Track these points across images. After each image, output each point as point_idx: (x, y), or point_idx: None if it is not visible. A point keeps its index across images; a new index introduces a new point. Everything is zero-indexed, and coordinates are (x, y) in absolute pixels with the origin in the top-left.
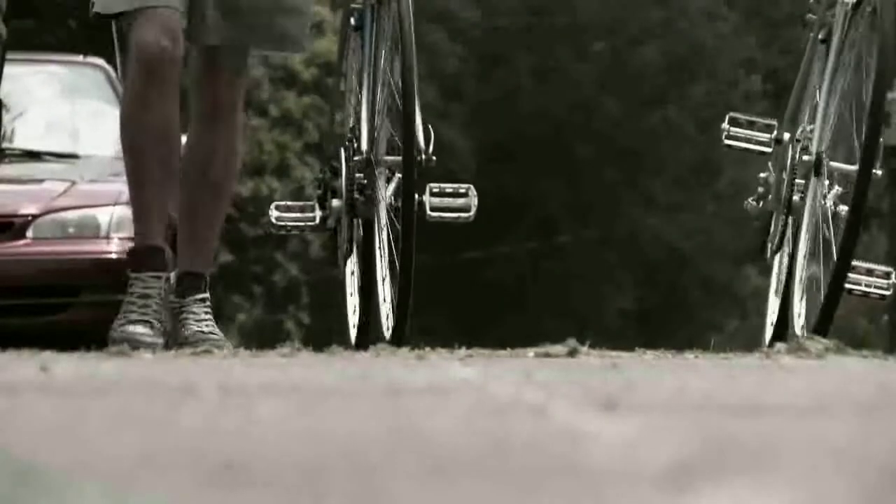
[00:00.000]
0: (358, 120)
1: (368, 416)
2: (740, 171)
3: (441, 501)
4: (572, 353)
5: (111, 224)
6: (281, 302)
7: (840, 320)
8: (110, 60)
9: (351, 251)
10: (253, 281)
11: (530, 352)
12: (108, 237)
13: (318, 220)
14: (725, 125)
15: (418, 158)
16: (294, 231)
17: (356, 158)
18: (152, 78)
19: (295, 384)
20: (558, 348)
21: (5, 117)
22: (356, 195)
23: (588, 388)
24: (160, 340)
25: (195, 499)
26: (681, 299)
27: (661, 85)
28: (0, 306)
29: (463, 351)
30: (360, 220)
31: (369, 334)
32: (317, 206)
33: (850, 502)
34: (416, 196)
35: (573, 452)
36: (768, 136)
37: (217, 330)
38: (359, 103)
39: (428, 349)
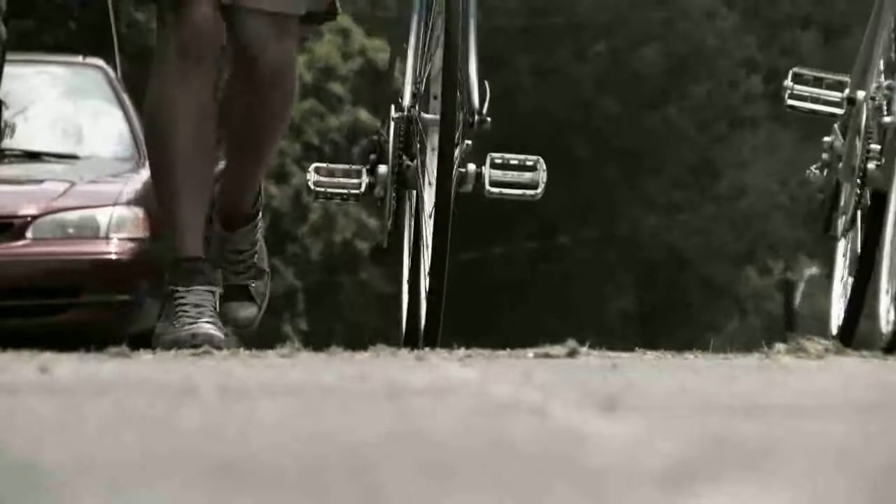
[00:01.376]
0: (410, 77)
1: (368, 416)
2: (740, 171)
3: (441, 501)
4: (572, 353)
5: (111, 224)
6: (279, 308)
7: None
8: (110, 61)
9: (394, 227)
10: None
11: (530, 352)
12: (107, 238)
13: (363, 188)
14: (788, 82)
15: (465, 119)
16: (336, 199)
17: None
18: (193, 51)
19: (295, 384)
20: (558, 349)
21: (5, 114)
22: (404, 160)
23: (588, 388)
24: (229, 338)
25: (195, 499)
26: (681, 299)
27: (661, 85)
28: (0, 307)
29: (462, 351)
30: (409, 193)
31: (418, 335)
32: (364, 171)
33: (850, 502)
34: (471, 168)
35: (573, 452)
36: (839, 94)
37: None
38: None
39: (427, 349)
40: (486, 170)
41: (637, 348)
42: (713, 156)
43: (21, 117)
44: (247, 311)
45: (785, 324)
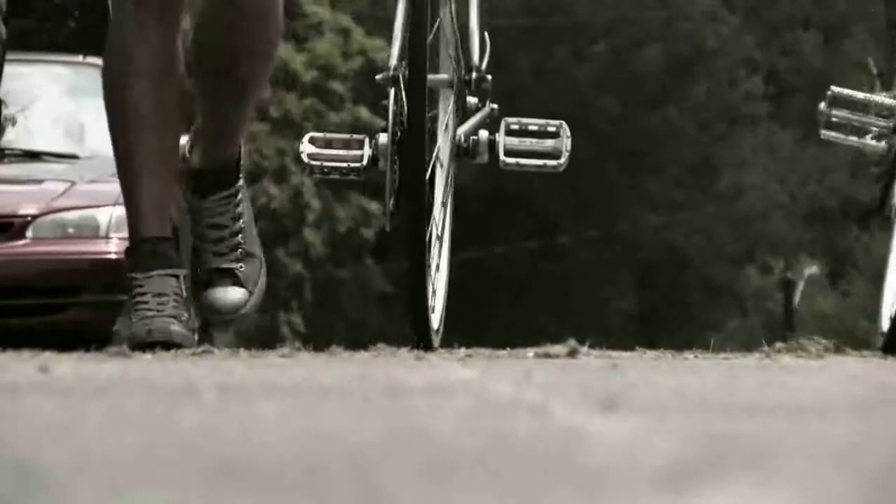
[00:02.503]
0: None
1: (368, 416)
2: (740, 170)
3: (441, 501)
4: (572, 353)
5: (111, 224)
6: (280, 302)
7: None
8: None
9: (397, 208)
10: None
11: (530, 352)
12: (107, 237)
13: (365, 161)
14: (824, 107)
15: (460, 76)
16: (334, 174)
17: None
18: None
19: (295, 384)
20: (558, 348)
21: (5, 112)
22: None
23: (588, 388)
24: (192, 338)
25: (195, 499)
26: (681, 299)
27: (661, 85)
28: (0, 306)
29: (462, 351)
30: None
31: (428, 333)
32: (367, 141)
33: (849, 502)
34: (483, 135)
35: (573, 452)
36: (888, 123)
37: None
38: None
39: (427, 349)
40: (501, 137)
41: (637, 348)
42: (713, 155)
43: (21, 117)
44: (233, 297)
45: (785, 323)
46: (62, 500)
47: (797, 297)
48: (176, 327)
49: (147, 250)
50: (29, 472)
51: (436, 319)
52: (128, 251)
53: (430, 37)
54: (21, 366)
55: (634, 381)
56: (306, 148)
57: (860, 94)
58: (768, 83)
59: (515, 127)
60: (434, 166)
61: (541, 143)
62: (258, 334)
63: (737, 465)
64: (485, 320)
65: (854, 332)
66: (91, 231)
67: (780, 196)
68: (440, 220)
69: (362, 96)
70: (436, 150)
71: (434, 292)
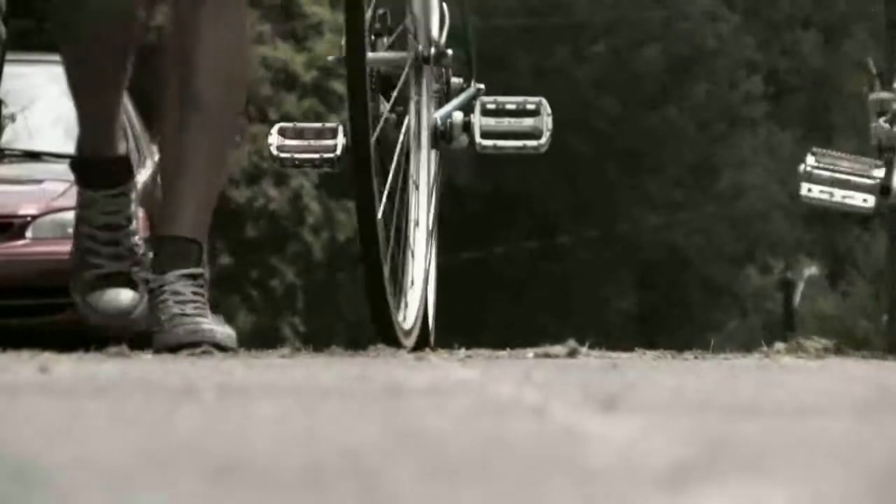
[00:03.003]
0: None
1: (368, 417)
2: (740, 171)
3: (441, 501)
4: (572, 353)
5: None
6: (279, 306)
7: (840, 320)
8: None
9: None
10: (251, 285)
11: (530, 352)
12: None
13: (339, 150)
14: (807, 167)
15: (418, 52)
16: (306, 166)
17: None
18: None
19: (294, 385)
20: (558, 349)
21: (5, 112)
22: (382, 112)
23: (588, 388)
24: (144, 303)
25: (195, 499)
26: (681, 299)
27: (661, 85)
28: (0, 306)
29: (462, 351)
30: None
31: (390, 325)
32: (340, 129)
33: (850, 502)
34: (457, 117)
35: (573, 453)
36: (872, 180)
37: (208, 317)
38: None
39: (427, 350)
40: (476, 118)
41: (637, 348)
42: (713, 155)
43: (21, 117)
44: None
45: (785, 324)
46: (62, 500)
47: (797, 298)
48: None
49: (100, 170)
50: (29, 472)
51: (410, 314)
52: (73, 166)
53: (406, 18)
54: (21, 366)
55: (634, 381)
56: (275, 140)
57: (841, 155)
58: (768, 83)
59: (492, 107)
60: (407, 148)
61: (519, 123)
62: (258, 334)
63: (737, 465)
64: (484, 320)
65: (854, 333)
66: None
67: (780, 196)
68: (416, 204)
69: None
70: (404, 132)
71: (411, 282)
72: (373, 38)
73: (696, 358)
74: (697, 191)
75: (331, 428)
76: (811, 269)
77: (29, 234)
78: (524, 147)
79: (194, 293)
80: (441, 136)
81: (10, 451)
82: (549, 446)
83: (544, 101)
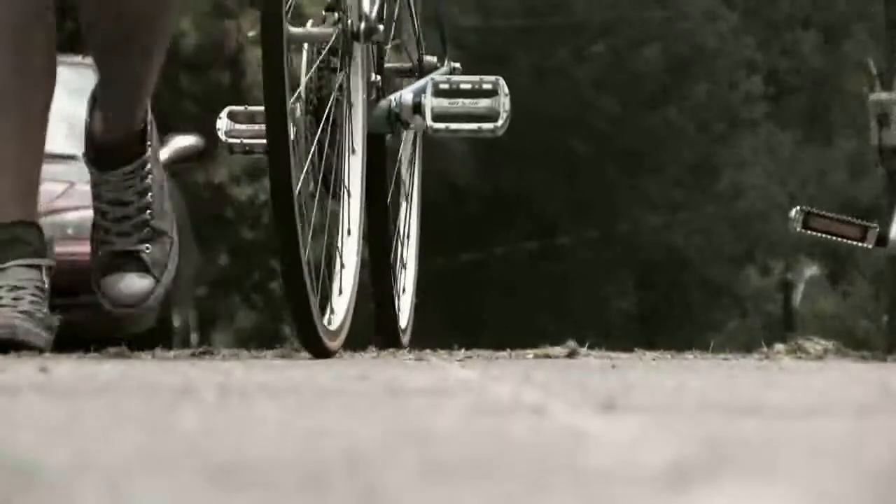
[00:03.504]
0: None
1: (368, 417)
2: (740, 171)
3: (441, 501)
4: (572, 354)
5: None
6: (279, 307)
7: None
8: None
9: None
10: (251, 286)
11: (530, 353)
12: None
13: (294, 135)
14: (795, 215)
15: (346, 26)
16: (257, 151)
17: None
18: None
19: (294, 385)
20: (558, 349)
21: None
22: (326, 90)
23: (588, 388)
24: (47, 336)
25: (195, 499)
26: (681, 299)
27: (661, 85)
28: None
29: (462, 352)
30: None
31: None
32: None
33: (850, 502)
34: (406, 98)
35: (573, 453)
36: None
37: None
38: None
39: (427, 350)
40: (427, 100)
41: (637, 348)
42: (713, 156)
43: None
44: (137, 285)
45: (785, 324)
46: (62, 500)
47: (797, 298)
48: (27, 325)
49: (5, 237)
50: (29, 472)
51: (336, 318)
52: None
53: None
54: (21, 366)
55: (634, 381)
56: (224, 124)
57: (831, 217)
58: (768, 83)
59: (445, 87)
60: (350, 132)
61: (474, 105)
62: (258, 334)
63: (737, 465)
64: (484, 321)
65: (854, 333)
66: (90, 232)
67: (780, 197)
68: (347, 211)
69: None
70: (344, 114)
71: (339, 290)
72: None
73: (696, 358)
74: (697, 191)
75: (331, 428)
76: (811, 270)
77: None
78: (479, 130)
79: (128, 186)
80: (395, 119)
81: (10, 451)
82: (549, 446)
83: (501, 80)
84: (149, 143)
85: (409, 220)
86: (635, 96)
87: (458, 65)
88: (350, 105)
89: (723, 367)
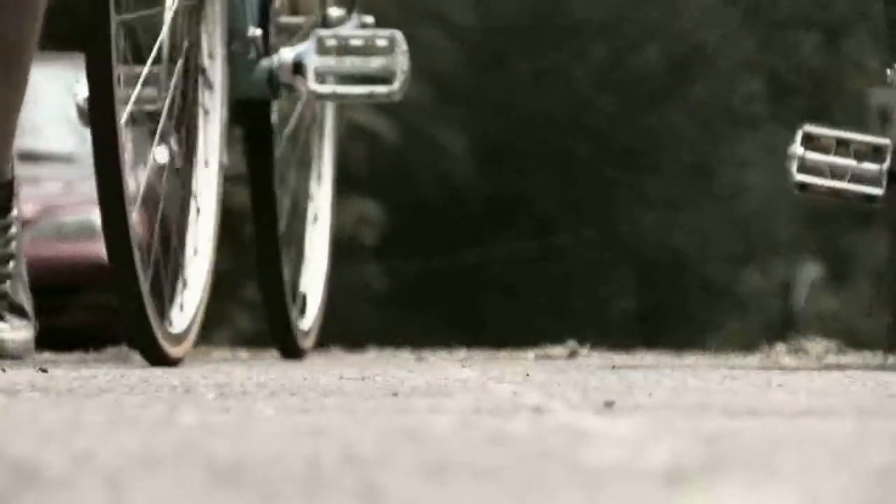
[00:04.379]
0: None
1: (368, 417)
2: (740, 171)
3: (440, 501)
4: (572, 354)
5: None
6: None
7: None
8: None
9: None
10: (251, 286)
11: (530, 353)
12: None
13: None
14: (797, 150)
15: None
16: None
17: None
18: None
19: (294, 385)
20: (558, 349)
21: None
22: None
23: (588, 388)
24: (27, 335)
25: (195, 499)
26: (681, 299)
27: (661, 85)
28: None
29: (462, 352)
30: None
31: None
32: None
33: (849, 502)
34: (283, 58)
35: (573, 453)
36: (878, 166)
37: None
38: None
39: (427, 350)
40: (310, 58)
41: (637, 348)
42: (713, 156)
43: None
44: (20, 334)
45: (785, 324)
46: (62, 500)
47: (799, 298)
48: None
49: None
50: (29, 472)
51: (184, 319)
52: None
53: None
54: (21, 366)
55: (634, 381)
56: (79, 93)
57: (839, 134)
58: (768, 83)
59: (332, 43)
60: (203, 95)
61: (366, 63)
62: (258, 334)
63: (737, 465)
64: (484, 321)
65: (854, 333)
66: (90, 232)
67: (780, 197)
68: (195, 226)
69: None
70: (200, 76)
71: (181, 307)
72: None
73: (696, 358)
74: (697, 191)
75: (331, 428)
76: (812, 270)
77: (27, 235)
78: (372, 94)
79: None
80: (277, 83)
81: (10, 451)
82: (549, 446)
83: (399, 34)
84: (13, 201)
85: (317, 202)
86: (635, 96)
87: (370, 18)
88: (201, 69)
89: (723, 366)
